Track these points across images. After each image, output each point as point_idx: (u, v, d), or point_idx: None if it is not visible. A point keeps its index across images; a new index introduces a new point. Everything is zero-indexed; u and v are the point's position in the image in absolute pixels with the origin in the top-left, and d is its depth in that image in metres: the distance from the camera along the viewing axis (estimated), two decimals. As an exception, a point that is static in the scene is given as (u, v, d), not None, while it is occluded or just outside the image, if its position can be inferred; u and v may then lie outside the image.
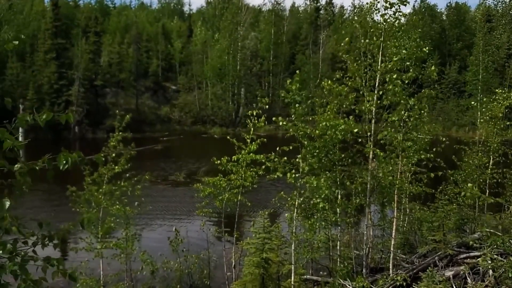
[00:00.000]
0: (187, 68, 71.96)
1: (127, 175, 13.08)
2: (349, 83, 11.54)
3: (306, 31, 76.58)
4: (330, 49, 69.64)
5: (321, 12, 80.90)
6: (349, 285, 10.14)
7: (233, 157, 12.71)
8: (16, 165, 3.21)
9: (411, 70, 11.12)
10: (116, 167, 12.70)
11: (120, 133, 12.76)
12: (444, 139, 12.10)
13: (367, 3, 12.13)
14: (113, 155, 12.55)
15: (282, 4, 77.91)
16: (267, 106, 12.51)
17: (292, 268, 10.57)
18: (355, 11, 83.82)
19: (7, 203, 3.10)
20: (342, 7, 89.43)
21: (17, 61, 54.04)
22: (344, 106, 11.60)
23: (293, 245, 10.91)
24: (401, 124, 11.50)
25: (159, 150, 46.80)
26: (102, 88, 59.49)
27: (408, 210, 15.55)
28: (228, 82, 64.92)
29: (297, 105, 11.00)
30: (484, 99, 16.07)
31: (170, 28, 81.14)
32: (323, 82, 11.70)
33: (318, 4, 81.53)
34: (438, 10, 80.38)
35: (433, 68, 11.41)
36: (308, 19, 78.65)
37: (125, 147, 13.12)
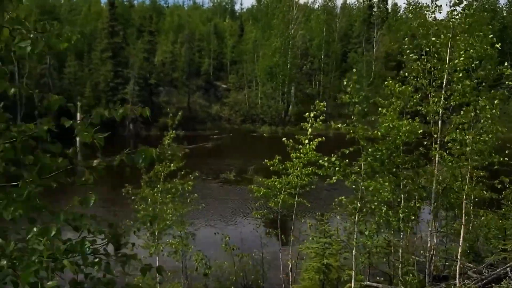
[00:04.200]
0: (238, 67, 72.24)
1: (182, 172, 13.11)
2: (413, 82, 11.06)
3: (359, 29, 75.09)
4: (384, 47, 67.99)
5: (374, 9, 79.10)
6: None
7: (291, 154, 12.37)
8: (95, 161, 3.09)
9: (480, 70, 10.50)
10: (172, 164, 12.75)
11: (173, 131, 12.82)
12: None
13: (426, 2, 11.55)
14: (169, 152, 12.62)
15: (333, 1, 76.20)
16: (324, 109, 12.20)
17: (353, 274, 10.16)
18: (409, 8, 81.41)
19: (93, 199, 3.04)
20: (395, 4, 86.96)
21: (75, 60, 55.89)
22: (409, 106, 11.09)
23: (354, 250, 10.49)
24: (471, 125, 10.82)
25: (209, 148, 47.16)
26: (156, 87, 60.57)
27: (472, 216, 14.73)
28: (278, 81, 64.57)
29: (356, 105, 10.60)
30: None
31: (222, 27, 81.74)
32: (386, 82, 11.27)
33: (371, 1, 79.76)
34: (500, 6, 76.87)
35: (506, 64, 10.79)
36: (361, 17, 77.09)
37: (178, 145, 13.17)
